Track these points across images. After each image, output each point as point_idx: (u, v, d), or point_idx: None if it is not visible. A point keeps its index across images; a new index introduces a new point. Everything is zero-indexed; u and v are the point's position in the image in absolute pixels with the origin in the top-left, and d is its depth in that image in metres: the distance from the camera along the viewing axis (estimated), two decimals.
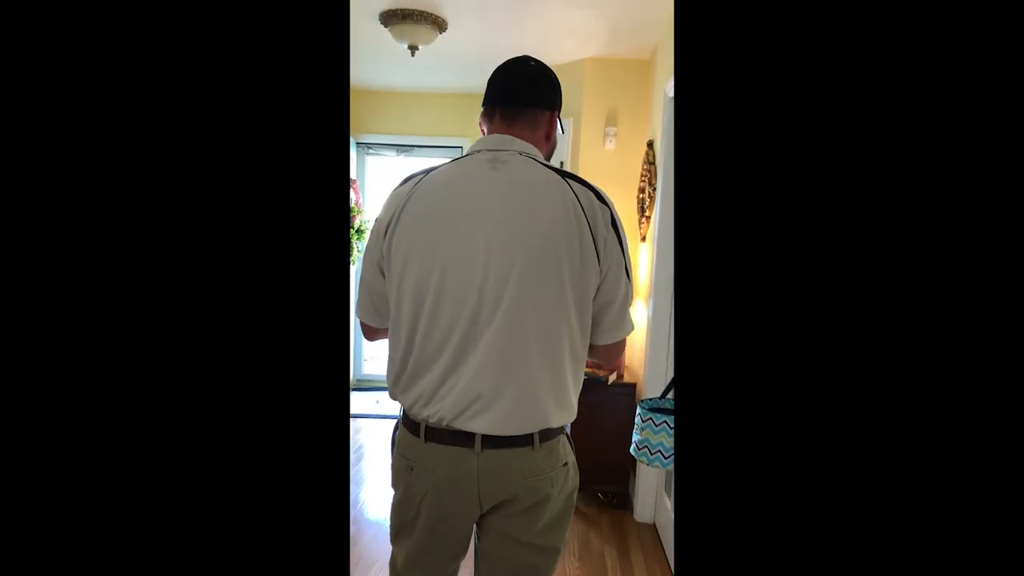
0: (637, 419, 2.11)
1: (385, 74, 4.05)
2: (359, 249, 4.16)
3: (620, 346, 1.23)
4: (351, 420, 4.11)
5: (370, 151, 4.79)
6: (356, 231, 4.28)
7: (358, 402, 4.53)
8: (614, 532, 2.80)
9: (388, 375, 1.21)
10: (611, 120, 3.36)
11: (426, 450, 1.14)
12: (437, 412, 1.12)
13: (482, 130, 1.23)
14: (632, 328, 1.22)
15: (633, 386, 2.98)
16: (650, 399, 2.13)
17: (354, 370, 4.95)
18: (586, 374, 2.89)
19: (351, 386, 4.84)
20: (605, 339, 1.19)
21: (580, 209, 1.10)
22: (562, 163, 3.45)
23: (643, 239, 3.15)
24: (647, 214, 3.04)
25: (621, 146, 3.35)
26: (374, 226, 1.20)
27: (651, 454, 2.04)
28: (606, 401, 2.95)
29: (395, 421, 1.25)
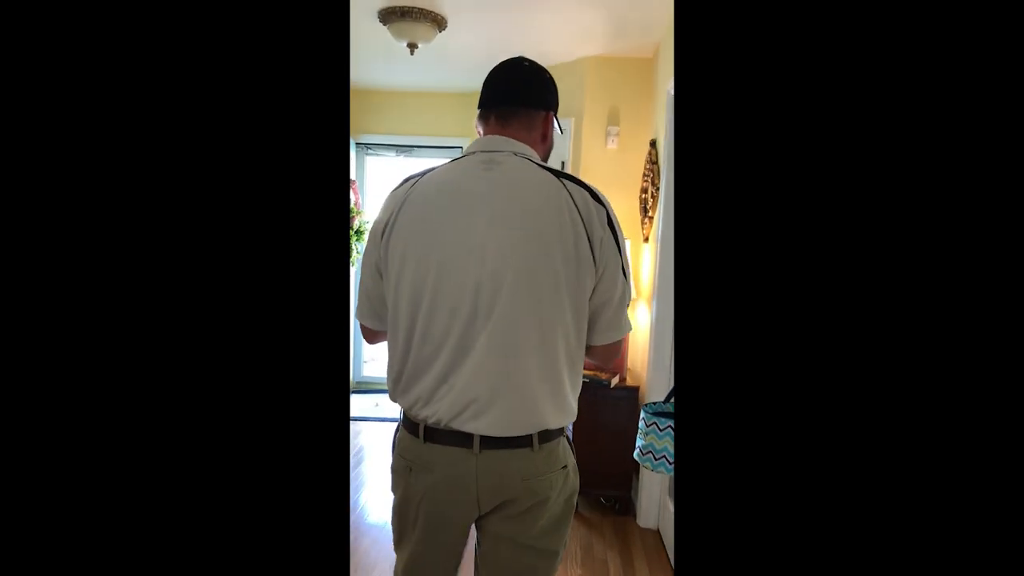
0: (641, 423, 2.08)
1: (384, 73, 4.02)
2: (359, 250, 4.12)
3: (617, 346, 1.22)
4: (351, 423, 4.08)
5: (369, 151, 4.75)
6: (355, 232, 4.24)
7: (358, 404, 4.50)
8: (617, 537, 2.76)
9: (388, 377, 1.21)
10: (613, 119, 3.32)
11: (425, 450, 1.14)
12: (435, 413, 1.12)
13: (479, 132, 1.23)
14: (630, 328, 1.22)
15: (636, 389, 2.94)
16: (654, 403, 2.09)
17: (354, 372, 4.91)
18: (588, 377, 2.88)
19: (351, 388, 4.80)
20: (602, 339, 1.19)
21: (575, 209, 1.10)
22: (563, 163, 3.41)
23: (646, 240, 3.11)
24: (650, 214, 3.00)
25: (623, 145, 3.31)
26: (372, 228, 1.20)
27: (655, 459, 2.01)
28: (608, 404, 2.91)
29: (396, 424, 1.25)
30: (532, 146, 1.20)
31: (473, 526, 1.23)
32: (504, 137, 1.18)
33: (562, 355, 1.12)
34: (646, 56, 3.24)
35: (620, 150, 3.32)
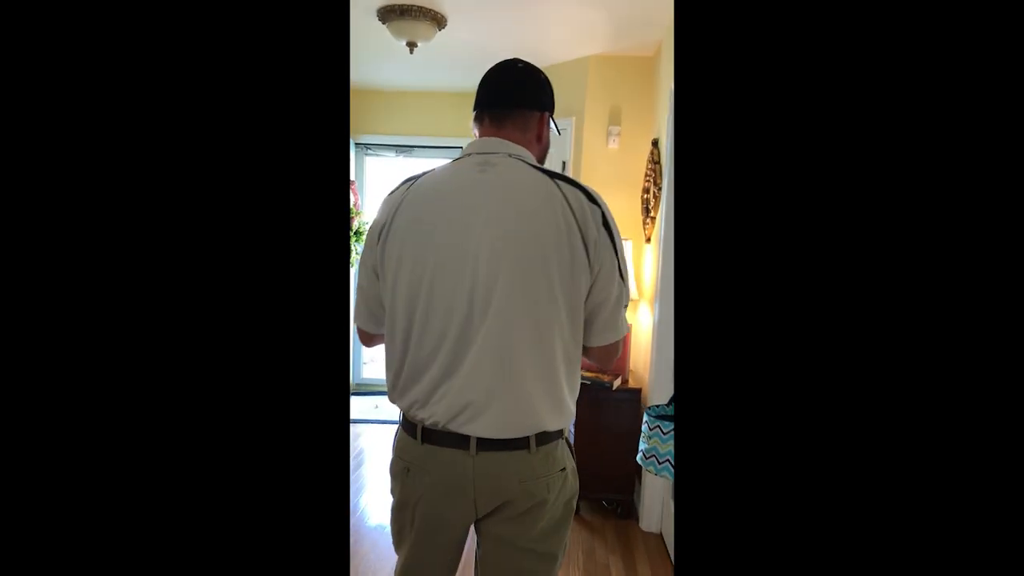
0: (644, 427, 2.05)
1: (383, 73, 3.99)
2: (358, 252, 4.09)
3: (615, 348, 1.22)
4: (350, 425, 4.05)
5: (369, 152, 4.72)
6: (355, 233, 4.22)
7: (357, 407, 4.47)
8: (619, 541, 2.73)
9: (386, 378, 1.22)
10: (615, 119, 3.29)
11: (423, 451, 1.14)
12: (433, 415, 1.12)
13: (474, 134, 1.24)
14: (627, 330, 1.21)
15: (638, 391, 2.90)
16: (657, 406, 2.06)
17: (353, 374, 4.88)
18: (589, 379, 2.85)
19: (350, 390, 4.77)
20: (599, 340, 1.18)
21: (569, 210, 1.10)
22: (564, 163, 3.38)
23: (648, 240, 3.08)
24: (652, 214, 2.97)
25: (625, 145, 3.28)
26: (369, 230, 1.21)
27: (659, 463, 1.98)
28: (610, 406, 2.88)
29: (396, 426, 1.26)
30: (527, 147, 1.20)
31: (473, 529, 1.22)
32: (499, 139, 1.18)
33: (559, 357, 1.12)
34: (648, 55, 3.21)
35: (621, 150, 3.29)
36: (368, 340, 1.30)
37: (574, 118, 3.34)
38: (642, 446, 2.09)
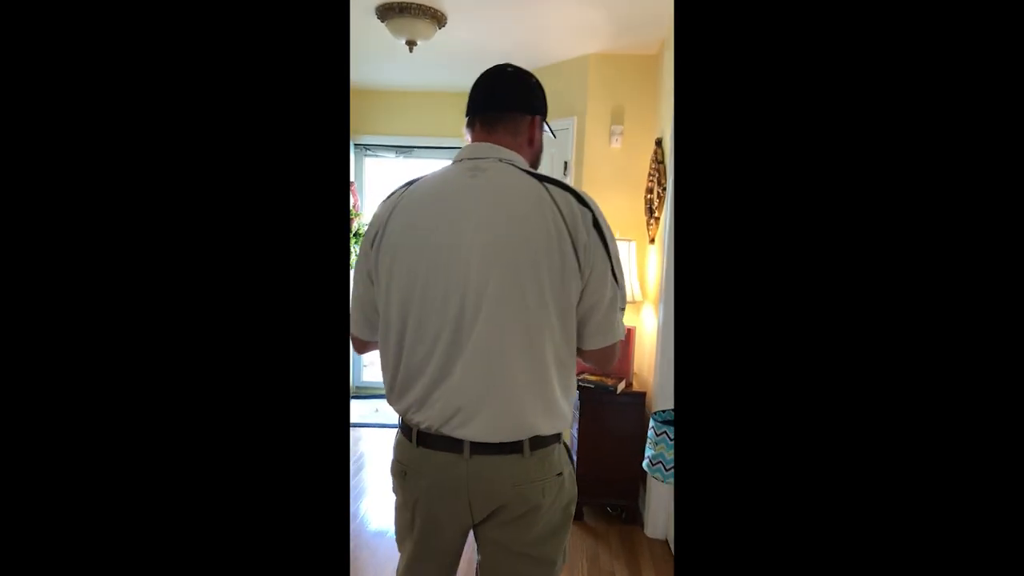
0: (650, 432, 2.00)
1: (383, 72, 3.94)
2: (357, 253, 4.04)
3: (612, 351, 1.21)
4: (350, 429, 4.00)
5: (368, 153, 4.67)
6: (354, 235, 4.17)
7: (357, 410, 4.42)
8: (624, 548, 2.68)
9: (384, 383, 1.23)
10: (617, 118, 3.24)
11: (418, 455, 1.16)
12: (426, 419, 1.13)
13: (467, 140, 1.26)
14: (623, 333, 1.20)
15: (643, 395, 2.86)
16: (663, 411, 2.02)
17: (353, 377, 4.84)
18: (592, 382, 2.81)
19: (350, 393, 4.72)
20: (593, 344, 1.18)
21: (558, 213, 1.10)
22: (566, 163, 3.33)
23: (652, 241, 3.03)
24: (656, 215, 2.92)
25: (628, 145, 3.24)
26: (363, 237, 1.22)
27: (666, 470, 1.93)
28: (614, 410, 2.83)
29: (396, 430, 1.27)
30: (518, 151, 1.21)
31: (473, 536, 1.24)
32: (489, 144, 1.19)
33: (551, 361, 1.12)
34: (650, 52, 3.17)
35: (624, 149, 3.24)
36: (361, 347, 1.30)
37: (576, 117, 3.29)
38: (648, 452, 2.04)
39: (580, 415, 2.85)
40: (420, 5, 2.65)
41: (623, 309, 1.19)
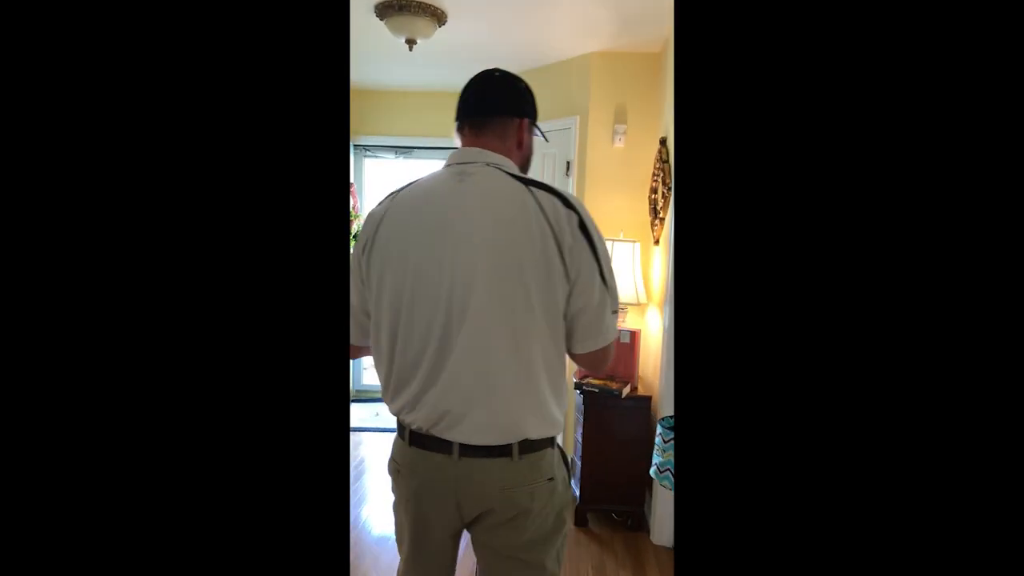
0: (658, 439, 1.95)
1: (382, 72, 3.89)
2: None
3: (603, 354, 1.21)
4: (351, 433, 3.96)
5: (368, 153, 4.62)
6: (354, 237, 4.13)
7: (357, 414, 4.38)
8: (630, 555, 2.63)
9: (380, 383, 1.25)
10: (620, 117, 3.19)
11: (411, 454, 1.18)
12: (416, 421, 1.15)
13: (457, 145, 1.27)
14: (615, 336, 1.20)
15: (648, 399, 2.80)
16: (671, 416, 1.97)
17: (353, 380, 4.79)
18: (597, 386, 2.75)
19: (350, 397, 4.67)
20: (582, 347, 1.18)
21: (543, 217, 1.10)
22: (568, 163, 3.28)
23: (656, 242, 2.98)
24: (661, 216, 2.87)
25: (631, 144, 3.18)
26: (355, 245, 1.23)
27: (674, 477, 1.88)
28: (619, 414, 2.78)
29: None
30: (507, 155, 1.21)
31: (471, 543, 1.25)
32: (477, 148, 1.20)
33: (539, 365, 1.12)
34: (654, 51, 3.12)
35: (628, 149, 3.19)
36: (354, 352, 1.31)
37: (578, 117, 3.24)
38: (656, 459, 1.99)
39: (584, 419, 2.80)
40: (420, 3, 2.60)
41: (615, 312, 1.18)
